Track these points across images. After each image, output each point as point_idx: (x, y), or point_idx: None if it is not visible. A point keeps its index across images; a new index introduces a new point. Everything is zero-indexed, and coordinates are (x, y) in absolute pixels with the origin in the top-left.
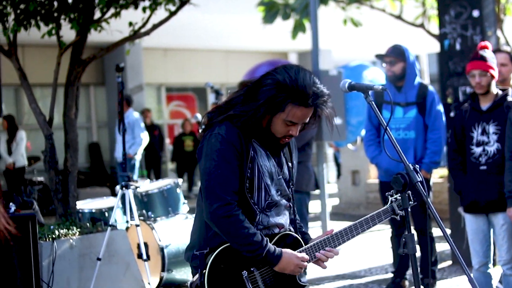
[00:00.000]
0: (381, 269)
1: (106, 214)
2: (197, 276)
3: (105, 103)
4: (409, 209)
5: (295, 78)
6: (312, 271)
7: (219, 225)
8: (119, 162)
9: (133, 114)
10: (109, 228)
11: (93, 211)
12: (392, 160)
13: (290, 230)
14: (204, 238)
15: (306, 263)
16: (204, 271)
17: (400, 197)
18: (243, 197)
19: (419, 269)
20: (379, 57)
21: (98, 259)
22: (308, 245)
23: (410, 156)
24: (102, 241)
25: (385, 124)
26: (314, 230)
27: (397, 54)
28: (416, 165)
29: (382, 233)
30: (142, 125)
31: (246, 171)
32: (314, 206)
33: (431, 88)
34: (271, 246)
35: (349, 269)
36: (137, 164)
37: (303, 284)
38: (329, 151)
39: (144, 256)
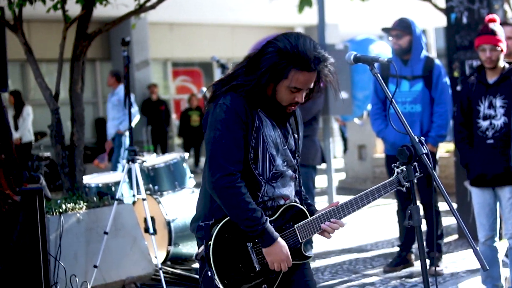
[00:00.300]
0: (387, 243)
1: (113, 188)
2: (202, 247)
3: None
4: (415, 183)
5: (295, 44)
6: (318, 244)
7: (220, 195)
8: (112, 138)
9: (123, 90)
10: (115, 202)
11: (100, 185)
12: (398, 133)
13: (295, 202)
14: (209, 209)
15: (287, 267)
16: (209, 242)
17: (405, 169)
18: (247, 168)
19: (425, 242)
20: (386, 30)
21: (105, 233)
22: (314, 216)
23: (417, 130)
24: (109, 215)
25: (391, 97)
26: (321, 205)
27: (403, 27)
28: (422, 138)
29: (389, 207)
30: (133, 101)
31: (251, 141)
32: (320, 181)
33: (437, 61)
34: (270, 227)
35: (355, 243)
36: (127, 141)
37: (309, 256)
38: (335, 126)
39: (151, 230)
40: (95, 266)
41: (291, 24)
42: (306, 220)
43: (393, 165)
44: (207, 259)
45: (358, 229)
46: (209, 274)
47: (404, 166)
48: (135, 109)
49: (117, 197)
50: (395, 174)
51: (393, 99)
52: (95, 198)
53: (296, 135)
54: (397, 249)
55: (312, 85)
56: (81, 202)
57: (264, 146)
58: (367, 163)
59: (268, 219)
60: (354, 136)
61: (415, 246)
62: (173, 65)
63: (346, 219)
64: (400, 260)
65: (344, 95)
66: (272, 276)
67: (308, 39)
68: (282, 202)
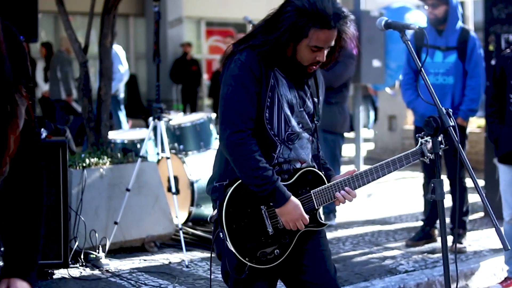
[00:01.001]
0: (412, 216)
1: (138, 145)
2: (216, 210)
3: (144, 34)
4: (442, 156)
5: (313, 1)
6: (342, 214)
7: (230, 151)
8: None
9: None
10: (139, 159)
11: (125, 141)
12: (428, 105)
13: (313, 167)
14: (224, 170)
15: (303, 226)
16: (222, 203)
17: (430, 139)
18: (262, 128)
19: (449, 218)
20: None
21: (127, 189)
22: (331, 183)
23: (448, 102)
24: (132, 172)
25: (420, 66)
26: None
27: None
28: (450, 110)
29: (416, 180)
30: (123, 59)
31: (266, 100)
32: (348, 150)
33: (473, 33)
34: (281, 186)
35: (379, 215)
36: (122, 103)
37: (324, 223)
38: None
39: (173, 189)
40: (116, 223)
41: None
42: (322, 187)
43: (417, 135)
44: (219, 221)
45: (383, 200)
46: (221, 236)
47: (429, 137)
48: (124, 69)
49: (141, 154)
50: (419, 144)
51: (422, 70)
52: (119, 154)
53: (315, 99)
54: (421, 223)
55: (333, 43)
56: (105, 157)
57: (279, 105)
58: (397, 135)
59: (280, 178)
60: (384, 106)
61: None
62: (207, 25)
63: (372, 190)
64: (423, 235)
65: (376, 63)
66: (285, 241)
67: None
68: (298, 165)
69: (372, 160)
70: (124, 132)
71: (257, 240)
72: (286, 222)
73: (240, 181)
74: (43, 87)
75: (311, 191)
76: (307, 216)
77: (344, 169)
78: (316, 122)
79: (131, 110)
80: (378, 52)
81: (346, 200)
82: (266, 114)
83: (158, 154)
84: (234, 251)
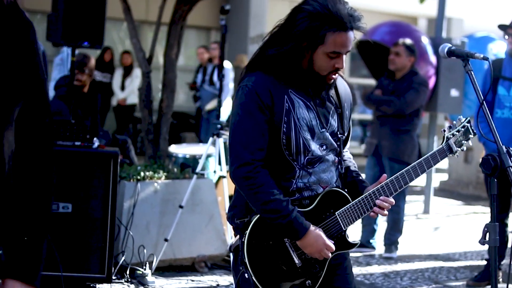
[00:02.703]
0: (477, 254)
1: (199, 161)
2: (237, 238)
3: (226, 48)
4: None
5: (325, 4)
6: (403, 247)
7: (239, 186)
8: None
9: (67, 50)
10: (194, 176)
11: (187, 156)
12: (502, 141)
13: (335, 187)
14: (243, 202)
15: (330, 254)
16: (244, 235)
17: (457, 132)
18: (280, 154)
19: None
20: (502, 28)
21: (180, 206)
22: (357, 199)
23: None
24: (187, 189)
25: (482, 99)
26: (416, 204)
27: None
28: (511, 148)
29: (487, 216)
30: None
31: (282, 126)
32: (421, 180)
33: None
34: (298, 217)
35: (443, 250)
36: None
37: (354, 244)
38: (446, 124)
39: (227, 209)
40: (166, 240)
41: (414, 14)
42: (348, 205)
43: (442, 129)
44: (241, 260)
45: (449, 235)
46: (246, 276)
47: (455, 130)
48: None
49: (197, 171)
50: (445, 140)
51: (484, 103)
52: (175, 169)
53: (339, 110)
54: (485, 262)
55: (350, 48)
56: (161, 171)
57: (296, 130)
58: (472, 167)
59: (296, 209)
60: None
61: (505, 262)
62: None
63: (439, 223)
64: (486, 275)
65: (454, 93)
66: (316, 270)
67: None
68: (320, 190)
69: (445, 191)
70: (186, 147)
71: (286, 275)
72: (311, 254)
73: (257, 217)
74: (119, 95)
75: (336, 213)
76: (331, 243)
77: (414, 198)
78: (342, 137)
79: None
80: (457, 81)
81: (384, 209)
82: (283, 140)
83: (214, 172)
84: None
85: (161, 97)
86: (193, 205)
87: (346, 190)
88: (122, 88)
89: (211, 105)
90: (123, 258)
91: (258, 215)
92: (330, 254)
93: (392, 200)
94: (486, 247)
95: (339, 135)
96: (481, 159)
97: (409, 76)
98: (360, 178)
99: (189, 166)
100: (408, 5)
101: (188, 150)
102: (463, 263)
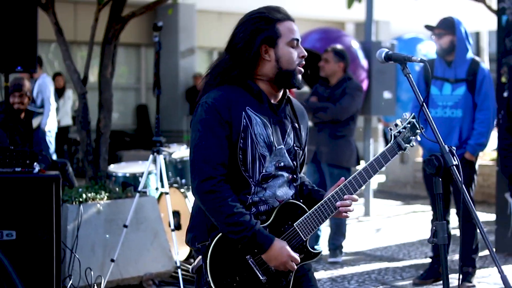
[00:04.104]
0: (421, 253)
1: (140, 179)
2: (198, 259)
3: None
4: (452, 192)
5: (256, 11)
6: (348, 250)
7: (202, 200)
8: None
9: (44, 79)
10: (137, 194)
11: (127, 175)
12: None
13: (290, 199)
14: (203, 224)
15: (295, 266)
16: (207, 256)
17: (404, 129)
18: (237, 170)
19: (458, 256)
20: (429, 28)
21: (125, 226)
22: (314, 207)
23: (456, 136)
24: (130, 208)
25: (422, 101)
26: (357, 207)
27: (445, 26)
28: (453, 147)
29: (426, 214)
30: (50, 92)
31: (239, 141)
32: None
33: (483, 64)
34: (262, 229)
35: (387, 251)
36: (53, 141)
37: (317, 252)
38: (379, 126)
39: (172, 226)
40: (112, 260)
41: (341, 19)
42: (306, 215)
43: (387, 128)
44: (205, 281)
45: (391, 236)
46: None
47: (402, 127)
48: (51, 102)
49: (139, 189)
50: (392, 138)
51: (425, 105)
52: (117, 189)
53: (296, 124)
54: (429, 260)
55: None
56: (103, 192)
57: (253, 146)
58: (409, 167)
59: (259, 222)
60: None
61: (449, 259)
62: (219, 55)
63: (380, 225)
64: (432, 273)
65: (387, 95)
66: (282, 284)
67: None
68: (276, 204)
69: (383, 193)
70: (126, 165)
71: None
72: (277, 267)
73: (218, 236)
74: None
75: (294, 224)
76: (296, 255)
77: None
78: (299, 153)
79: (141, 141)
80: (389, 84)
81: (348, 206)
82: (239, 155)
83: (156, 189)
84: None
85: (98, 117)
86: (137, 223)
87: (301, 201)
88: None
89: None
90: (70, 282)
91: (219, 235)
92: (295, 266)
93: (355, 197)
94: (429, 245)
95: (296, 151)
96: (423, 159)
97: (343, 82)
98: (316, 188)
99: (130, 184)
100: (335, 10)
101: (127, 169)
102: (408, 262)
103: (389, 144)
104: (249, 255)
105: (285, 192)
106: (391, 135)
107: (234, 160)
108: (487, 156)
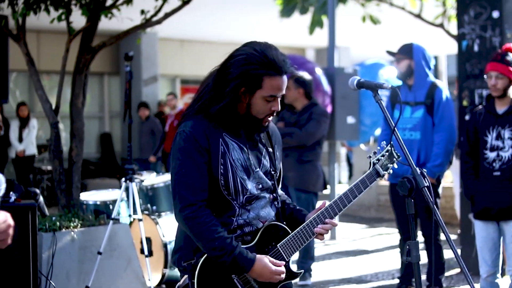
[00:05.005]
0: (388, 274)
1: (111, 206)
2: (184, 278)
3: (118, 93)
4: (415, 214)
5: (261, 50)
6: (317, 273)
7: (184, 226)
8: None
9: None
10: (111, 222)
11: (98, 203)
12: (399, 163)
13: (273, 220)
14: (187, 244)
15: (282, 275)
16: (193, 275)
17: (382, 157)
18: (219, 195)
19: (425, 276)
20: (391, 53)
21: (99, 253)
22: (297, 229)
23: (414, 158)
24: (104, 235)
25: (393, 125)
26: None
27: (403, 51)
28: (424, 170)
29: (391, 236)
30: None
31: (219, 167)
32: None
33: (441, 87)
34: (243, 250)
35: (355, 273)
36: None
37: (298, 273)
38: (342, 151)
39: (146, 252)
40: (87, 287)
41: (302, 45)
42: (288, 237)
43: (368, 155)
44: None
45: (359, 258)
46: None
47: (380, 155)
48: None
49: (113, 216)
50: (371, 165)
51: (396, 129)
52: (90, 217)
53: (270, 149)
54: (397, 281)
55: (284, 91)
56: (76, 220)
57: (233, 170)
58: (372, 191)
59: (240, 244)
60: (360, 162)
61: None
62: (182, 82)
63: (348, 247)
64: None
65: (351, 120)
66: None
67: (271, 46)
68: (260, 225)
69: (348, 216)
70: (96, 193)
71: None
72: (268, 279)
73: (205, 256)
74: (18, 147)
75: (278, 245)
76: (278, 268)
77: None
78: (275, 176)
79: (105, 169)
80: (352, 109)
81: (327, 230)
82: (221, 181)
83: (130, 216)
84: None
85: (70, 146)
86: (110, 250)
87: (285, 223)
88: (20, 139)
89: None
90: None
91: (206, 255)
92: (282, 276)
93: (336, 222)
94: (396, 265)
95: (272, 173)
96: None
97: (309, 107)
98: (298, 208)
99: (102, 212)
100: (296, 36)
101: (98, 196)
102: (375, 283)
103: (368, 171)
104: (234, 275)
105: (267, 212)
106: (370, 163)
107: (216, 185)
108: (448, 178)
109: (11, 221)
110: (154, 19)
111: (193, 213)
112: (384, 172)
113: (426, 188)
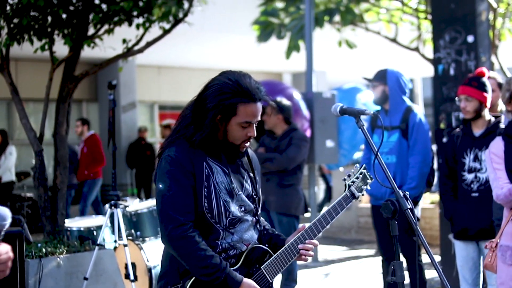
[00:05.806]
0: None
1: (95, 232)
2: None
3: (97, 119)
4: (397, 236)
5: (235, 79)
6: None
7: (174, 247)
8: None
9: None
10: (96, 248)
11: (82, 229)
12: (377, 185)
13: (256, 243)
14: (173, 271)
15: None
16: None
17: (356, 179)
18: (203, 217)
19: None
20: (367, 79)
21: (85, 278)
22: (279, 251)
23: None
24: (89, 260)
25: (376, 150)
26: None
27: (378, 78)
28: (407, 192)
29: (372, 258)
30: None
31: (203, 190)
32: None
33: (415, 111)
34: (231, 271)
35: None
36: None
37: None
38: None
39: (131, 277)
40: None
41: (279, 71)
42: (272, 258)
43: (343, 178)
44: None
45: (339, 280)
46: None
47: (354, 177)
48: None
49: (98, 242)
50: (347, 188)
51: (379, 154)
52: (76, 243)
53: (251, 174)
54: None
55: (260, 117)
56: (62, 246)
57: (216, 193)
58: (352, 213)
59: (228, 265)
60: (339, 185)
61: None
62: (160, 108)
63: (328, 270)
64: None
65: (330, 143)
66: None
67: (244, 74)
68: (244, 247)
69: (329, 239)
70: (80, 220)
71: None
72: None
73: (192, 280)
74: None
75: (261, 267)
76: None
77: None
78: (257, 199)
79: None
80: (331, 133)
81: (310, 250)
82: (205, 204)
83: (115, 241)
84: None
85: (54, 174)
86: (96, 275)
87: (267, 245)
88: None
89: None
90: None
91: (193, 278)
92: None
93: (316, 242)
94: (378, 286)
95: (254, 197)
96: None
97: (289, 132)
98: (276, 233)
99: (87, 238)
100: (273, 62)
101: (82, 223)
102: None
103: (343, 193)
104: None
105: (250, 235)
106: (345, 185)
107: (200, 208)
108: (428, 200)
109: (11, 254)
110: (136, 48)
111: (185, 232)
112: (359, 194)
113: (409, 210)
